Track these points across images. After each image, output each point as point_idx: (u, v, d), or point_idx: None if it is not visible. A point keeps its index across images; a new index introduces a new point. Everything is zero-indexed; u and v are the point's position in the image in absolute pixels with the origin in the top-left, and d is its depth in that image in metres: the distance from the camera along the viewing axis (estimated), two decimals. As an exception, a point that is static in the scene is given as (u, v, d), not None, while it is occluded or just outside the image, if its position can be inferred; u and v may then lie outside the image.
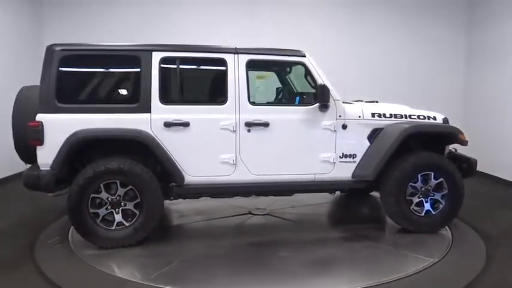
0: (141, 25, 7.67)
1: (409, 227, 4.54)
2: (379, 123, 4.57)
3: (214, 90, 4.45)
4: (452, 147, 5.19)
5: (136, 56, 4.12)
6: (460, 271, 3.72)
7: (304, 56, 4.42)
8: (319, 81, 4.38)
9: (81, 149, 4.10)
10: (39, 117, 3.97)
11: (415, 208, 4.56)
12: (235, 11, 7.89)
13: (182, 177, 4.20)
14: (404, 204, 4.50)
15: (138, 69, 4.11)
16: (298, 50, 4.43)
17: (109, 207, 4.09)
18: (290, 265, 3.75)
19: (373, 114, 4.57)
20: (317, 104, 4.36)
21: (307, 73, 4.46)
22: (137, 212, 4.11)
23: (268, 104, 4.77)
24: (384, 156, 4.42)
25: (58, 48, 4.01)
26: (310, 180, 4.47)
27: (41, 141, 3.97)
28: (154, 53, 4.14)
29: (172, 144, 4.15)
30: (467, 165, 4.76)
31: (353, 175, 4.53)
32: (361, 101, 5.42)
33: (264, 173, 4.36)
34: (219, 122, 4.21)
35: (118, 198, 4.09)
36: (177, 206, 5.50)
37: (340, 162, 4.50)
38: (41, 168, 4.00)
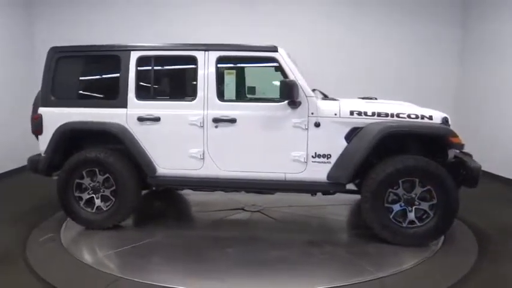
0: (136, 24, 7.89)
1: (388, 237, 4.10)
2: (359, 121, 4.20)
3: (185, 86, 4.61)
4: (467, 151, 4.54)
5: (117, 55, 4.49)
6: (450, 267, 3.69)
7: (276, 51, 4.29)
8: (291, 76, 4.22)
9: (77, 139, 4.64)
10: (40, 110, 4.62)
11: (397, 217, 4.11)
12: (231, 10, 7.98)
13: (154, 169, 4.45)
14: (383, 211, 4.09)
15: (118, 67, 4.47)
16: (270, 45, 4.32)
17: (91, 192, 4.55)
18: (228, 262, 3.75)
19: (351, 112, 4.22)
20: (286, 101, 4.21)
21: (280, 68, 4.32)
22: (113, 198, 4.50)
23: (237, 100, 4.73)
24: (358, 158, 4.08)
25: (55, 50, 4.61)
26: (281, 180, 4.33)
27: (40, 131, 4.61)
28: (132, 52, 4.46)
29: (145, 137, 4.43)
30: (468, 173, 4.10)
31: (328, 177, 4.25)
32: (371, 98, 5.03)
33: (231, 169, 4.37)
34: (187, 117, 4.35)
35: (98, 184, 4.54)
36: (186, 197, 5.81)
37: (312, 162, 4.27)
38: (41, 154, 4.66)
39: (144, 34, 7.28)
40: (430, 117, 4.21)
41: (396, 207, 4.11)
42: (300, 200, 5.43)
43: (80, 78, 4.71)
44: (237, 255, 3.88)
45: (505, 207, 5.65)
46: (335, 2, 8.05)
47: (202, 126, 4.34)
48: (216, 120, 4.32)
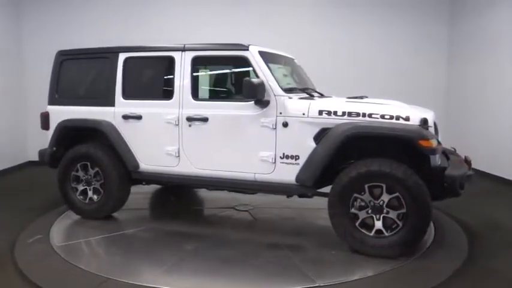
0: (131, 23, 7.92)
1: (354, 246, 3.85)
2: (328, 121, 3.97)
3: (164, 86, 4.73)
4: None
5: (107, 57, 4.80)
6: (440, 264, 3.69)
7: (247, 50, 4.24)
8: (260, 75, 4.16)
9: (81, 134, 5.06)
10: (47, 108, 5.11)
11: (363, 225, 3.83)
12: (231, 11, 7.98)
13: (137, 165, 4.68)
14: (347, 218, 3.84)
15: (108, 68, 4.77)
16: (241, 44, 4.27)
17: (84, 184, 4.93)
18: (174, 258, 3.78)
19: (320, 112, 4.00)
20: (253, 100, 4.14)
21: (251, 67, 4.25)
22: (102, 191, 4.82)
23: (210, 99, 4.73)
24: (321, 160, 3.89)
25: (60, 53, 5.09)
26: (251, 180, 4.27)
27: (48, 127, 5.11)
28: (120, 54, 4.74)
29: (129, 134, 4.68)
30: (446, 182, 3.67)
31: (296, 178, 4.10)
32: (358, 97, 4.73)
33: (205, 168, 4.42)
34: (164, 116, 4.50)
35: (90, 177, 4.89)
36: (195, 194, 6.00)
37: (281, 163, 4.14)
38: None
39: (137, 35, 7.41)
40: (407, 118, 3.83)
41: (362, 214, 3.83)
42: (298, 201, 5.19)
43: (78, 78, 5.11)
44: (189, 252, 3.92)
45: (496, 205, 5.55)
46: (326, 3, 8.16)
47: (178, 125, 4.46)
48: (190, 119, 4.40)
